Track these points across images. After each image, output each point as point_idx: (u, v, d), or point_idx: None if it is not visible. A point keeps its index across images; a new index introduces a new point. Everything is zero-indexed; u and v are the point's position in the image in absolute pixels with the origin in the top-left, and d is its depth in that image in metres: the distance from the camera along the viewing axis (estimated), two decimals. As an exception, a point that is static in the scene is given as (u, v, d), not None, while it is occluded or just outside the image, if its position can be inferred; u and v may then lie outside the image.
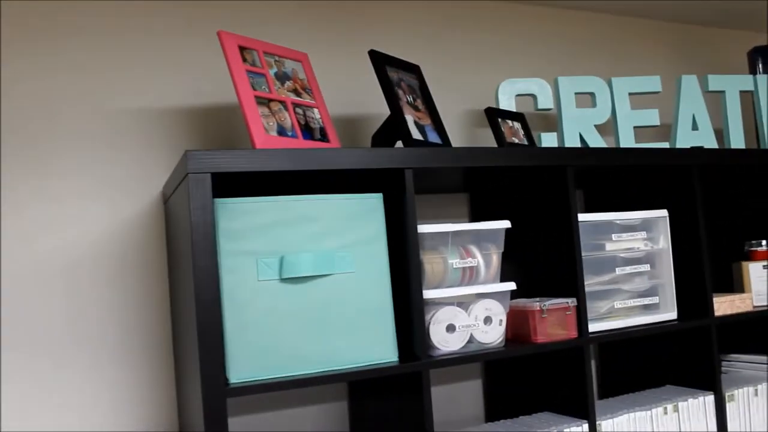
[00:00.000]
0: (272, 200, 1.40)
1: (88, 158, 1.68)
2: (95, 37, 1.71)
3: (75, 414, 1.62)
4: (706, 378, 1.87)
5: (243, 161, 1.35)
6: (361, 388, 1.78)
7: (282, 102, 1.52)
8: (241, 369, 1.35)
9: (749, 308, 1.97)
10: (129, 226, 1.70)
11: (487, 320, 1.57)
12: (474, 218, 2.06)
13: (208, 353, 1.29)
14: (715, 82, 2.14)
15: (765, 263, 2.04)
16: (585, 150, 1.70)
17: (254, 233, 1.38)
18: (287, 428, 1.81)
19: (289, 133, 1.49)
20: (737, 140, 2.12)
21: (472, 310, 1.55)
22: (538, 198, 1.78)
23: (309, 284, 1.41)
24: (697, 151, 1.89)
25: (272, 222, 1.39)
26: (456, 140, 2.11)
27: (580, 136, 1.96)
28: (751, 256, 2.08)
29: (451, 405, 2.02)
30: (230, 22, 1.85)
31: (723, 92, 2.14)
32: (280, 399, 1.82)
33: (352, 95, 1.99)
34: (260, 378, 1.36)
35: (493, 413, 2.00)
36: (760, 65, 2.38)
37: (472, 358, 1.52)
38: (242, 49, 1.51)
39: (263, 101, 1.48)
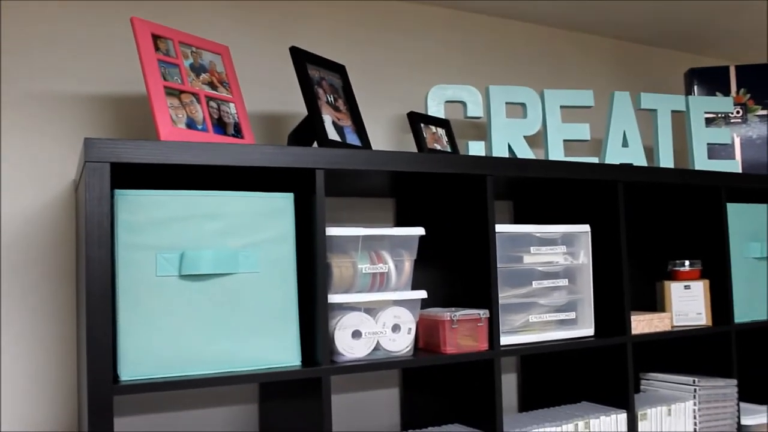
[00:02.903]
0: (176, 194, 1.36)
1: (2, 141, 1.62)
2: (8, 18, 1.65)
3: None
4: (620, 396, 1.85)
5: (145, 152, 1.31)
6: (270, 390, 1.74)
7: (195, 94, 1.48)
8: (133, 366, 1.30)
9: (668, 327, 1.97)
10: (39, 215, 1.64)
11: (396, 328, 1.54)
12: (399, 223, 2.03)
13: (96, 348, 1.25)
14: (648, 100, 2.14)
15: (687, 283, 2.04)
16: (506, 160, 1.68)
17: (155, 227, 1.34)
18: (194, 428, 1.76)
19: (199, 127, 1.45)
20: (666, 159, 2.12)
21: (380, 317, 1.52)
22: (457, 206, 1.75)
23: (211, 282, 1.37)
24: (624, 167, 1.89)
25: (175, 216, 1.35)
26: (383, 144, 2.08)
27: (509, 146, 1.94)
28: (674, 276, 2.08)
29: (368, 412, 1.98)
30: (152, 13, 1.80)
31: (655, 111, 2.14)
32: (191, 398, 1.77)
33: (276, 93, 1.94)
34: (154, 376, 1.32)
35: (407, 423, 1.97)
36: (695, 87, 2.40)
37: (376, 366, 1.49)
38: (156, 37, 1.46)
39: (174, 92, 1.44)
